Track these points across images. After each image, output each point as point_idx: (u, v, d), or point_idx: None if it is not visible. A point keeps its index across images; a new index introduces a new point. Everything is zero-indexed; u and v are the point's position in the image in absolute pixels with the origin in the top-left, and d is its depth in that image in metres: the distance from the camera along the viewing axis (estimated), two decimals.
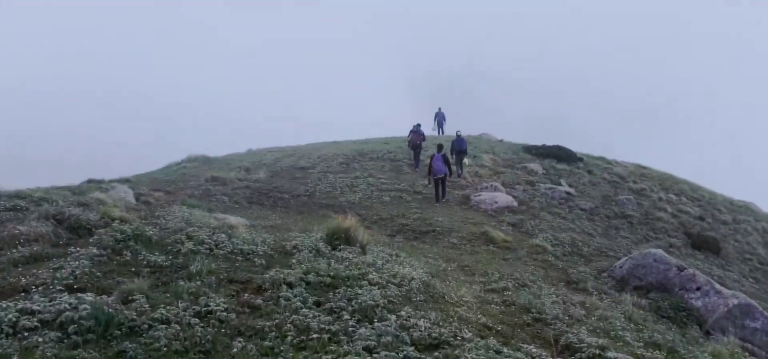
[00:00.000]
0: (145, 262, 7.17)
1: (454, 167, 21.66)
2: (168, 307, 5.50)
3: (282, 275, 7.07)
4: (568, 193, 22.91)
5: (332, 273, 7.52)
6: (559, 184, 24.24)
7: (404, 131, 29.07)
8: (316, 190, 19.70)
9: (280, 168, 23.07)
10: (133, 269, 6.89)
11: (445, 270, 10.82)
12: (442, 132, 31.64)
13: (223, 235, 8.87)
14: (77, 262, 6.66)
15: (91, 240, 7.74)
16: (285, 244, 9.21)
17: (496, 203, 19.58)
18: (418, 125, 25.85)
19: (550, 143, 30.26)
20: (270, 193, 19.09)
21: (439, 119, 32.04)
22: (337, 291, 6.96)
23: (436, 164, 19.61)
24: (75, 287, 5.97)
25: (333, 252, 9.08)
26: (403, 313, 6.52)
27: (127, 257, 7.25)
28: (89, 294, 5.77)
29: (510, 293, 9.41)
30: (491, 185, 21.83)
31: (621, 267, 13.28)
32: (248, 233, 9.83)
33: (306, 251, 8.82)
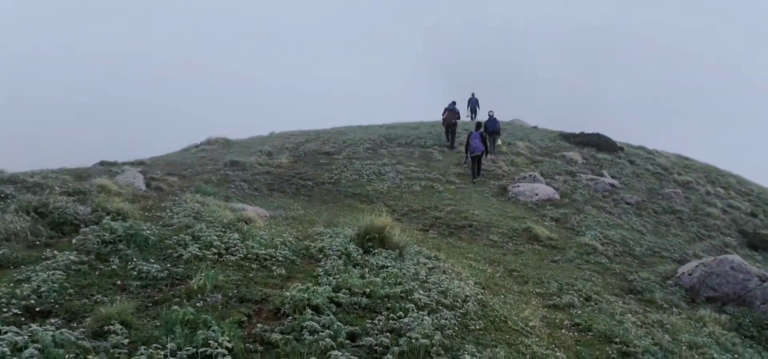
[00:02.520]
0: (135, 272, 5.68)
1: (490, 151, 20.64)
2: (152, 347, 4.04)
3: (306, 294, 5.51)
4: (612, 185, 21.18)
5: (368, 290, 5.99)
6: (602, 175, 22.51)
7: (433, 116, 27.64)
8: (341, 177, 18.24)
9: (303, 153, 21.63)
10: (118, 282, 5.42)
11: (493, 276, 9.29)
12: (476, 117, 30.27)
13: (236, 235, 7.41)
14: (47, 273, 5.21)
15: (74, 241, 6.33)
16: (309, 245, 7.74)
17: (537, 195, 17.95)
18: (454, 103, 24.60)
19: (587, 130, 28.49)
20: (292, 179, 17.69)
21: (473, 103, 30.71)
22: (377, 317, 5.42)
23: (473, 142, 19.30)
24: (37, 310, 4.51)
25: (365, 258, 7.58)
26: (466, 357, 4.98)
27: (114, 266, 5.78)
28: (53, 320, 4.34)
29: (578, 311, 7.83)
30: (530, 176, 20.17)
31: (690, 274, 11.56)
32: (266, 230, 8.39)
33: (334, 256, 7.32)
